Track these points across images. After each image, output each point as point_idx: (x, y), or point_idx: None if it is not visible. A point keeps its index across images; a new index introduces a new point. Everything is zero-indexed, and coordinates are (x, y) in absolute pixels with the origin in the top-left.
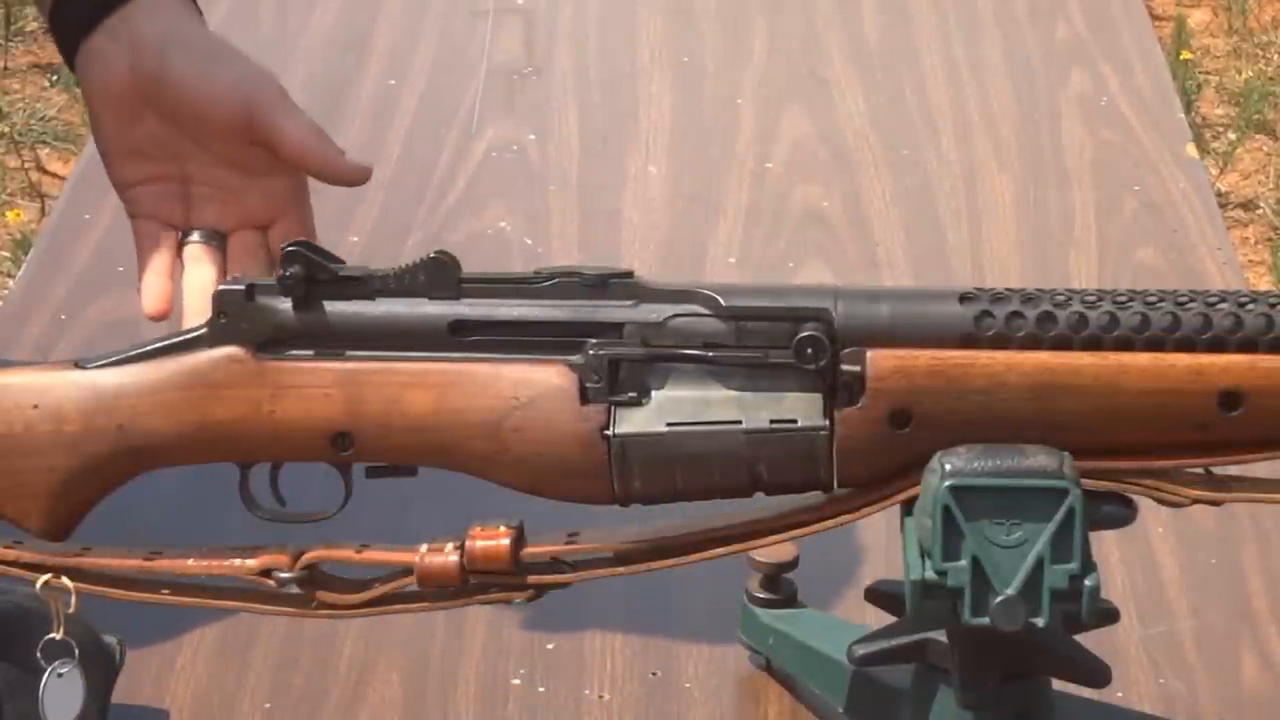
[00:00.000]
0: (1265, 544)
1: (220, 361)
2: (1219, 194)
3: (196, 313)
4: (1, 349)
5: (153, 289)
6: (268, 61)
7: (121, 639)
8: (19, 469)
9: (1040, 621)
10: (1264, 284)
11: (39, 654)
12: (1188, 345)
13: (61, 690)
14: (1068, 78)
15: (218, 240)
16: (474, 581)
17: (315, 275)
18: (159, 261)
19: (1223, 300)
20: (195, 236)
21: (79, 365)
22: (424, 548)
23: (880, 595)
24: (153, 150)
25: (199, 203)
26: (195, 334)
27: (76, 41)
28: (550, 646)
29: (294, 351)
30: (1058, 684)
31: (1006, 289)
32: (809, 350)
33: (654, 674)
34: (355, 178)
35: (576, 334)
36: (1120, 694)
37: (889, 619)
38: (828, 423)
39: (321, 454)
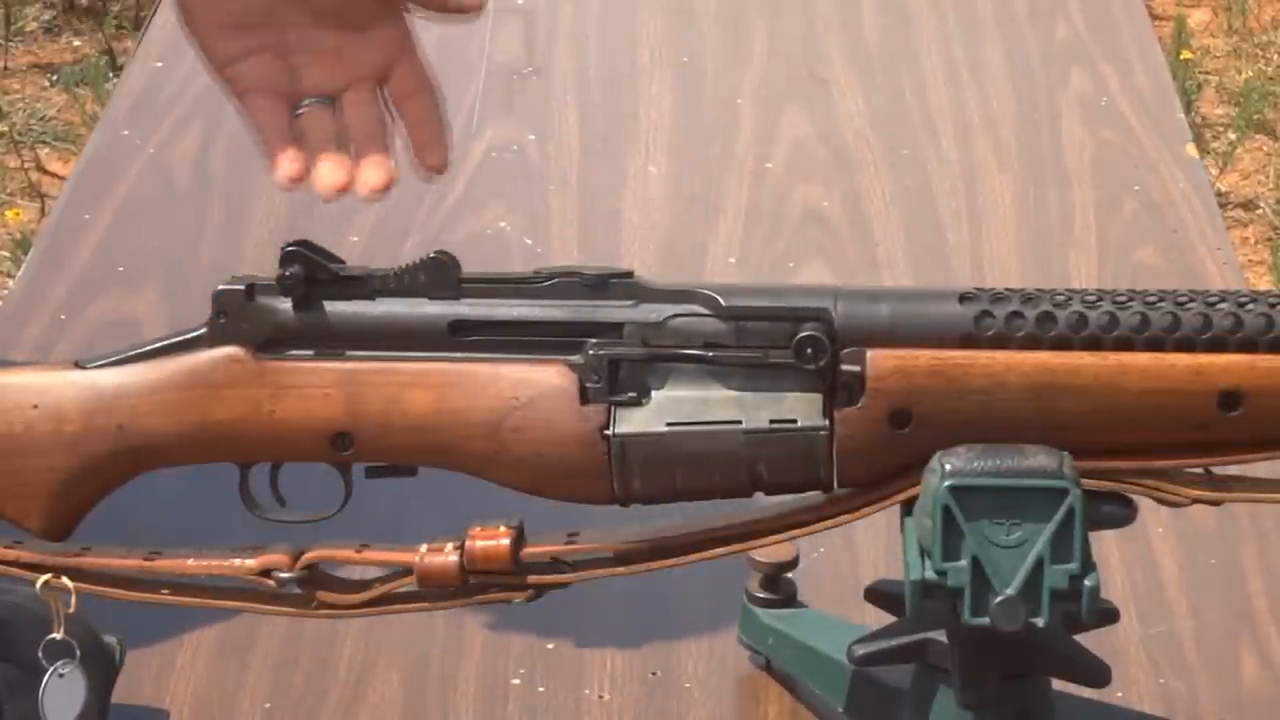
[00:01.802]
0: (1265, 544)
1: (220, 361)
2: (1219, 194)
3: (329, 168)
4: (1, 349)
5: (283, 156)
6: None
7: (121, 639)
8: (19, 469)
9: (1040, 621)
10: (1264, 284)
11: (39, 654)
12: (1188, 345)
13: (62, 690)
14: (1068, 78)
15: (330, 104)
16: (474, 581)
17: (315, 275)
18: (280, 124)
19: (1223, 300)
20: (307, 103)
21: (79, 365)
22: (424, 548)
23: (880, 595)
24: (250, 20)
25: (304, 69)
26: (195, 334)
27: None
28: (550, 646)
29: (294, 351)
30: (1058, 684)
31: (1006, 289)
32: (809, 350)
33: (654, 674)
34: (468, 4)
35: (576, 334)
36: (1120, 694)
37: (889, 619)
38: (828, 423)
39: (321, 454)
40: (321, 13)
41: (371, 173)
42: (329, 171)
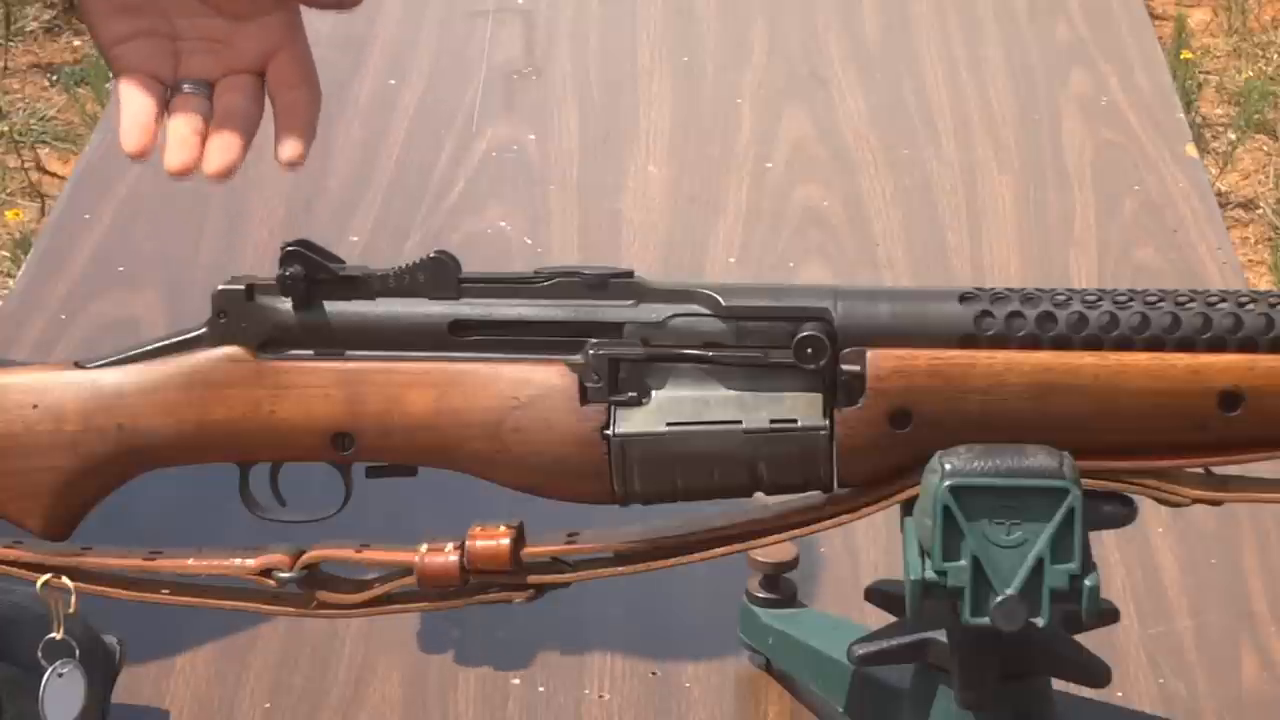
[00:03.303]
0: (1265, 544)
1: (220, 361)
2: (1219, 194)
3: (177, 146)
4: (1, 349)
5: (133, 127)
6: None
7: (121, 639)
8: (19, 469)
9: (1040, 621)
10: (1264, 284)
11: (39, 654)
12: (1188, 345)
13: (62, 690)
14: (1068, 78)
15: (206, 89)
16: (474, 581)
17: (315, 275)
18: (141, 104)
19: (1223, 300)
20: (184, 88)
21: (79, 365)
22: (424, 548)
23: (880, 595)
24: (138, 4)
25: (188, 55)
26: (195, 334)
27: None
28: (550, 646)
29: (294, 351)
30: (1058, 684)
31: (1006, 289)
32: (809, 350)
33: (654, 674)
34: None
35: (576, 334)
36: (1120, 694)
37: (889, 619)
38: (828, 423)
39: (322, 454)
40: (209, 1)
41: (216, 154)
42: (175, 152)
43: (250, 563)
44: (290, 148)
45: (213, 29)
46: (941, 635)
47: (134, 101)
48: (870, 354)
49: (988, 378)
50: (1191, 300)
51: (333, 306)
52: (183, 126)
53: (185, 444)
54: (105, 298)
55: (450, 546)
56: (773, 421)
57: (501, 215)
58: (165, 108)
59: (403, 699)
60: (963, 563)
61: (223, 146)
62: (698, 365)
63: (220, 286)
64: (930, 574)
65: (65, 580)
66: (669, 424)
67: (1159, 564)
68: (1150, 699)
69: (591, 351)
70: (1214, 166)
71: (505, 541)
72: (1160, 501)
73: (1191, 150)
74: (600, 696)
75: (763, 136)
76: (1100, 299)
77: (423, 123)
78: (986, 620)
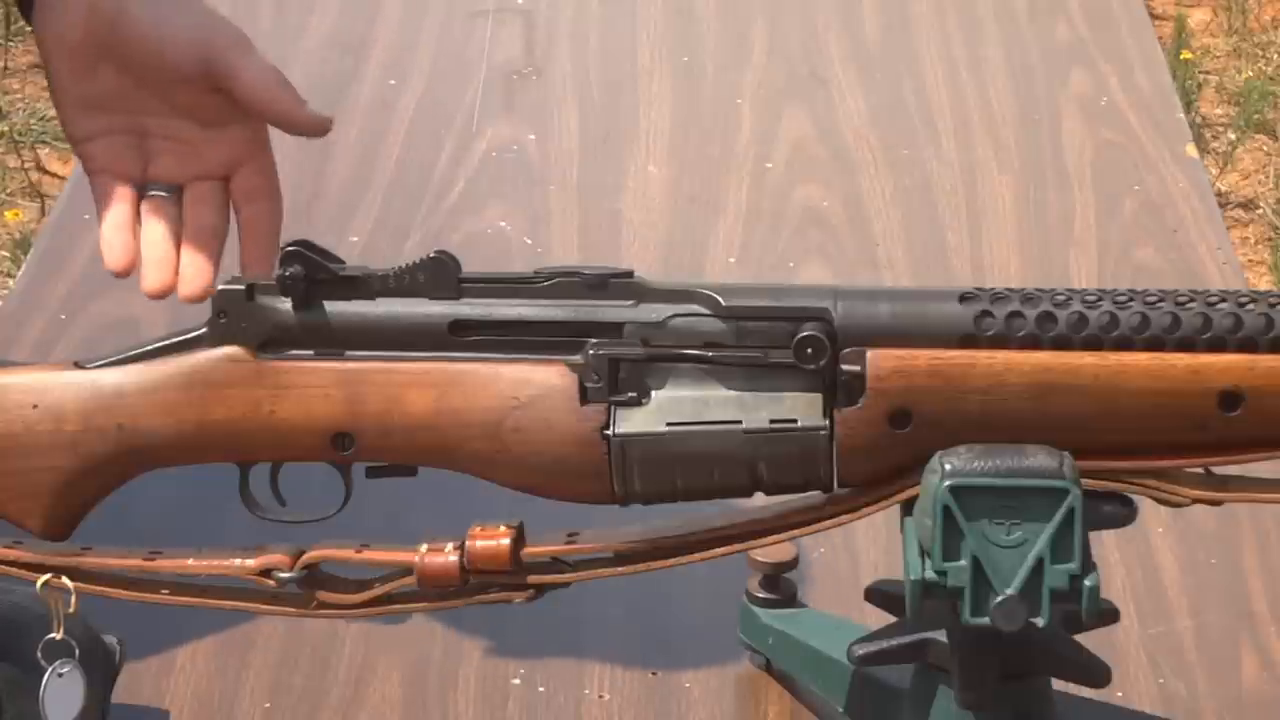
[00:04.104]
0: (1265, 544)
1: (220, 361)
2: (1219, 194)
3: (154, 268)
4: (1, 349)
5: (115, 244)
6: None
7: (121, 639)
8: (19, 469)
9: (1040, 621)
10: (1264, 284)
11: (39, 654)
12: (1188, 345)
13: (61, 690)
14: (1068, 78)
15: (176, 193)
16: (474, 581)
17: (315, 275)
18: (118, 216)
19: (1223, 300)
20: (153, 191)
21: (79, 365)
22: (424, 548)
23: (880, 595)
24: (109, 103)
25: (156, 156)
26: (195, 334)
27: None
28: (550, 646)
29: (294, 351)
30: (1058, 684)
31: (1006, 289)
32: (809, 350)
33: (654, 674)
34: (314, 128)
35: (576, 334)
36: (1120, 694)
37: (889, 619)
38: (828, 423)
39: (322, 454)
40: (178, 106)
41: (189, 282)
42: (153, 274)
43: (250, 563)
44: (257, 266)
45: (181, 131)
46: (941, 635)
47: (111, 216)
48: (870, 354)
49: (988, 378)
50: (1191, 300)
51: (333, 306)
52: (157, 248)
53: (185, 444)
54: (105, 298)
55: (450, 546)
56: (773, 421)
57: (501, 215)
58: (138, 211)
59: (403, 699)
60: (963, 563)
61: (196, 272)
62: (698, 365)
63: (220, 286)
64: (930, 574)
65: (65, 580)
66: (669, 424)
67: (1159, 564)
68: (1150, 699)
69: (591, 351)
70: (1214, 166)
71: (505, 541)
72: (1160, 501)
73: (1191, 150)
74: (600, 696)
75: (763, 136)
76: (1100, 299)
77: (423, 123)
78: (986, 620)
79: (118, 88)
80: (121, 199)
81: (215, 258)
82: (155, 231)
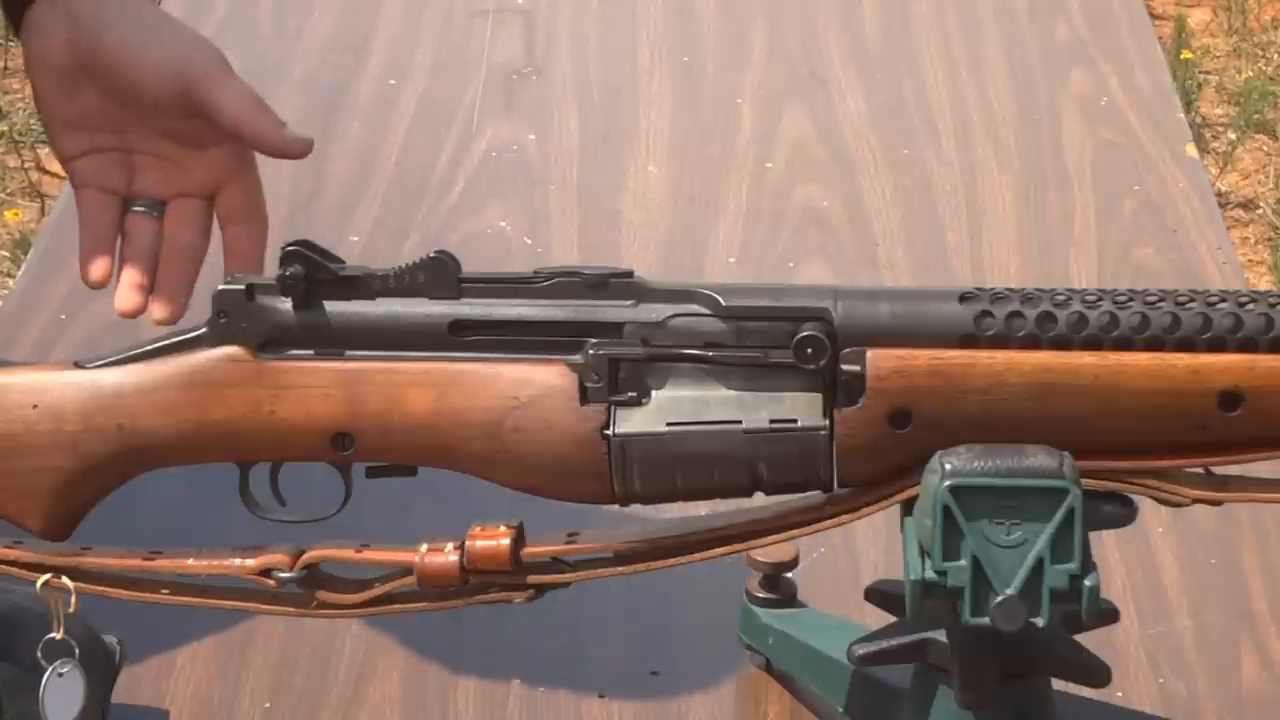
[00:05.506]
0: (1265, 544)
1: (220, 361)
2: (1219, 194)
3: (126, 292)
4: (1, 349)
5: (94, 260)
6: (267, 62)
7: (121, 639)
8: (19, 469)
9: (1040, 621)
10: (1264, 284)
11: (39, 654)
12: (1187, 345)
13: (61, 690)
14: (1068, 78)
15: (160, 210)
16: (474, 581)
17: (315, 275)
18: (100, 232)
19: (1223, 300)
20: (137, 207)
21: (79, 365)
22: (424, 548)
23: (880, 595)
24: (93, 122)
25: (141, 172)
26: (195, 334)
27: (21, 12)
28: (550, 646)
29: (294, 351)
30: (1058, 684)
31: (1006, 289)
32: (809, 350)
33: (654, 674)
34: (294, 150)
35: (576, 334)
36: (1120, 694)
37: (889, 619)
38: (828, 423)
39: (322, 454)
40: (162, 127)
41: (159, 307)
42: (125, 297)
43: (250, 563)
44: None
45: (165, 149)
46: (941, 635)
47: (92, 234)
48: (870, 354)
49: (988, 378)
50: (1191, 300)
51: (333, 306)
52: (132, 272)
53: (185, 444)
54: (105, 298)
55: (450, 546)
56: (773, 421)
57: (501, 215)
58: (121, 224)
59: (403, 699)
60: (963, 563)
61: (168, 298)
62: (698, 365)
63: (220, 286)
64: (930, 574)
65: (65, 580)
66: (669, 424)
67: (1159, 564)
68: (1150, 699)
69: (591, 351)
70: (1214, 166)
71: (505, 541)
72: (1160, 501)
73: (1191, 150)
74: (600, 696)
75: (763, 136)
76: (1100, 299)
77: (423, 123)
78: (986, 620)
79: (101, 109)
80: (104, 216)
81: (189, 281)
82: (133, 251)
